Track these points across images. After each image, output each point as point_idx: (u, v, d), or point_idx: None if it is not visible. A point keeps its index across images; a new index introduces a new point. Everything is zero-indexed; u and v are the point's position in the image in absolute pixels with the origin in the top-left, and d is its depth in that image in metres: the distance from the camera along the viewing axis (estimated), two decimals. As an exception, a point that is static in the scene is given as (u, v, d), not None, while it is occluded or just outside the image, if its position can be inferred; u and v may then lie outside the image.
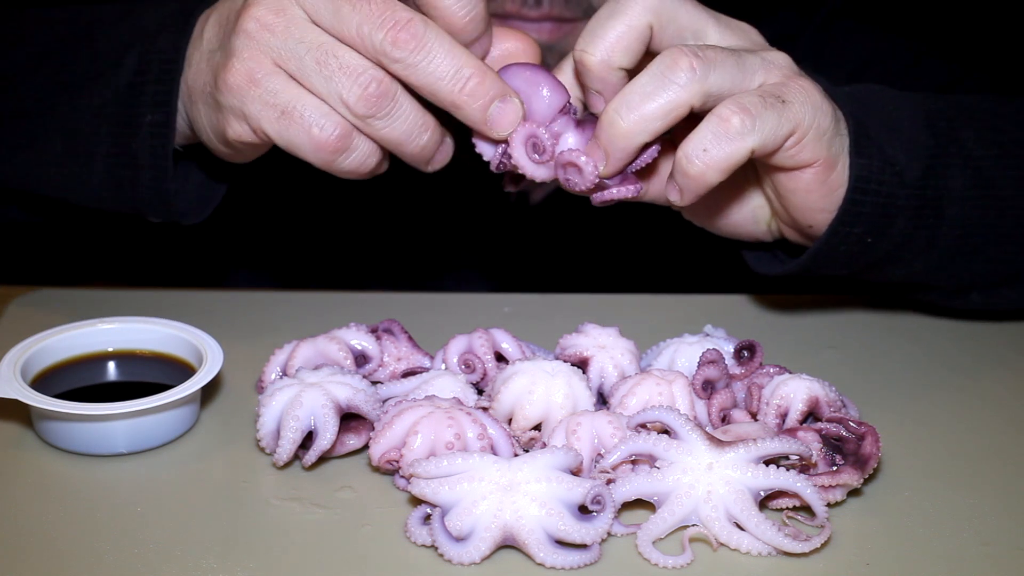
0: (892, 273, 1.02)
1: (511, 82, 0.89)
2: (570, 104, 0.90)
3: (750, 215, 1.01)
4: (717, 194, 0.98)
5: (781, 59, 0.90)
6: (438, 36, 0.87)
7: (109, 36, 1.03)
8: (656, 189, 0.98)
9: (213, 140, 0.97)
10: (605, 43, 0.87)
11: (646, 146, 0.88)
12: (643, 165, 0.89)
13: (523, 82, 0.89)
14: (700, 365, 0.90)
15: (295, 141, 0.91)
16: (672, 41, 0.88)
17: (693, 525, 0.81)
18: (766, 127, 0.86)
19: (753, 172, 0.99)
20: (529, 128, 0.89)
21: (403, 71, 0.88)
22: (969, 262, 1.02)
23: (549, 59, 1.24)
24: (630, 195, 0.90)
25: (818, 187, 0.92)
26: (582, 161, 0.88)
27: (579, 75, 0.90)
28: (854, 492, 0.86)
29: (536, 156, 0.89)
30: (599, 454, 0.85)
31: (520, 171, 0.90)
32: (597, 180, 0.88)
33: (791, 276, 1.01)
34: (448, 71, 0.87)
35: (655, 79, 0.85)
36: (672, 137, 0.91)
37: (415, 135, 0.91)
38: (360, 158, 0.92)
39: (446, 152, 0.94)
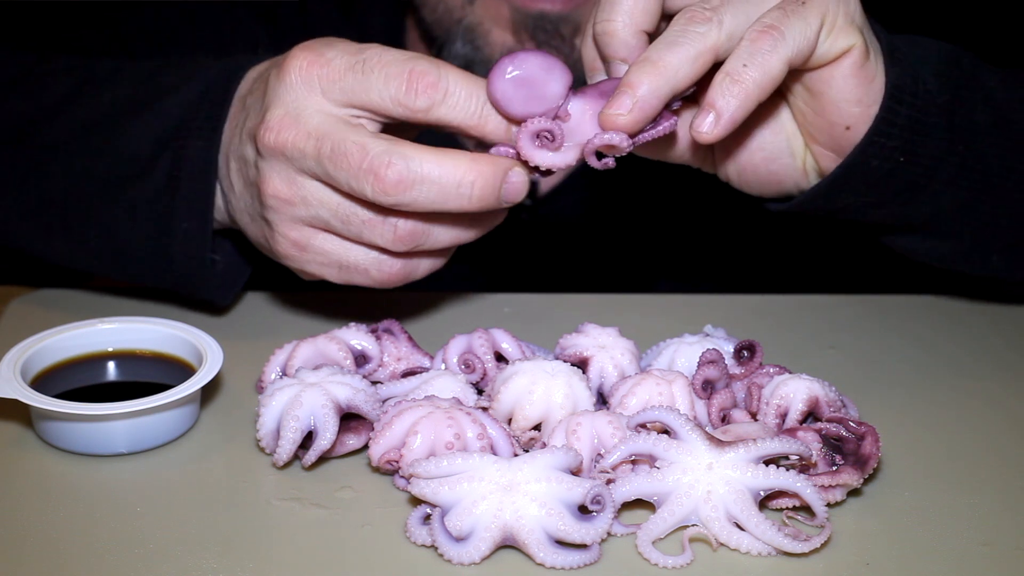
0: (919, 209, 1.00)
1: (524, 67, 0.87)
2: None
3: (786, 147, 0.98)
4: (752, 130, 0.97)
5: None
6: (419, 160, 0.88)
7: (139, 129, 1.03)
8: (681, 149, 0.98)
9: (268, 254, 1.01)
10: (624, 7, 0.88)
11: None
12: (661, 134, 0.88)
13: (535, 67, 0.88)
14: (700, 365, 0.90)
15: (361, 283, 0.97)
16: None
17: (693, 525, 0.81)
18: (795, 34, 0.86)
19: (782, 99, 0.97)
20: (530, 126, 0.88)
21: (409, 207, 0.90)
22: (994, 206, 1.01)
23: (563, 29, 1.25)
24: (670, 130, 0.88)
25: (855, 73, 0.90)
26: (616, 140, 0.86)
27: (602, 47, 0.90)
28: (854, 492, 0.86)
29: (549, 144, 0.88)
30: (599, 454, 0.85)
31: (540, 167, 0.89)
32: (632, 145, 0.87)
33: (818, 203, 0.98)
34: (449, 182, 0.88)
35: (676, 32, 0.86)
36: (694, 94, 0.91)
37: (465, 232, 0.95)
38: (428, 267, 0.98)
39: (517, 186, 0.92)
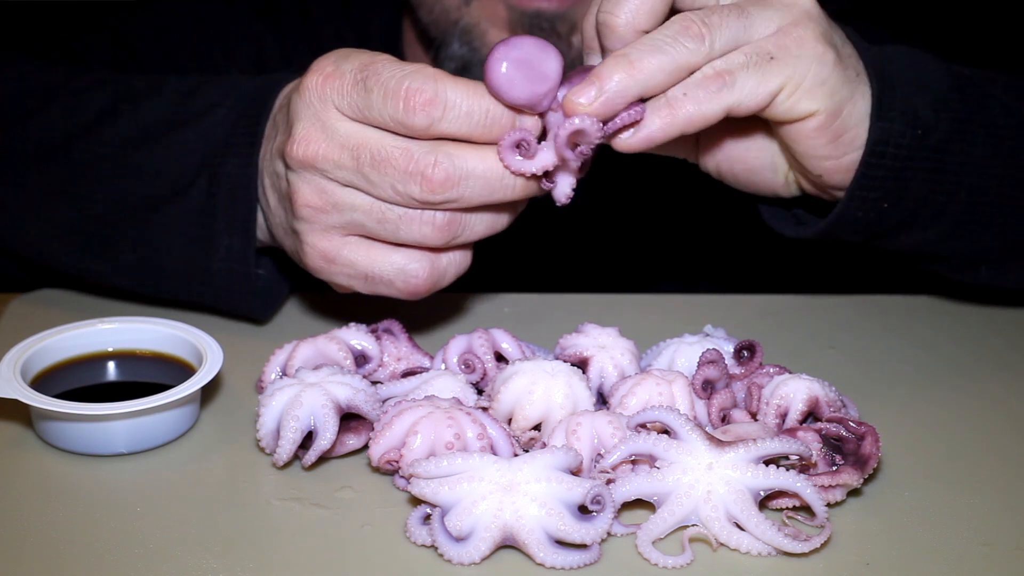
0: (905, 240, 1.01)
1: (520, 48, 0.87)
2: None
3: (769, 162, 0.99)
4: (738, 142, 0.99)
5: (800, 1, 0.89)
6: (465, 158, 0.88)
7: (176, 148, 1.03)
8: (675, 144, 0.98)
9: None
10: (630, 5, 0.88)
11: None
12: (627, 121, 0.87)
13: (530, 48, 0.87)
14: (700, 365, 0.90)
15: (388, 294, 0.95)
16: (694, 1, 0.89)
17: (693, 525, 0.81)
18: (745, 87, 0.87)
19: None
20: (507, 138, 0.88)
21: (457, 204, 0.90)
22: (982, 232, 1.02)
23: (560, 27, 1.25)
24: (636, 117, 0.87)
25: (821, 135, 0.91)
26: (585, 124, 0.85)
27: (600, 35, 0.90)
28: (854, 492, 0.86)
29: (526, 152, 0.88)
30: (599, 454, 0.85)
31: (526, 173, 0.89)
32: (603, 132, 0.86)
33: (806, 240, 1.01)
34: (493, 177, 0.89)
35: (666, 37, 0.86)
36: None
37: (498, 221, 0.94)
38: (455, 273, 0.96)
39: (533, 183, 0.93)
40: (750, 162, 1.00)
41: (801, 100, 0.89)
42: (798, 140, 0.92)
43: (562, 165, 0.90)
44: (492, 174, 0.89)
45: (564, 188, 0.91)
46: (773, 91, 0.88)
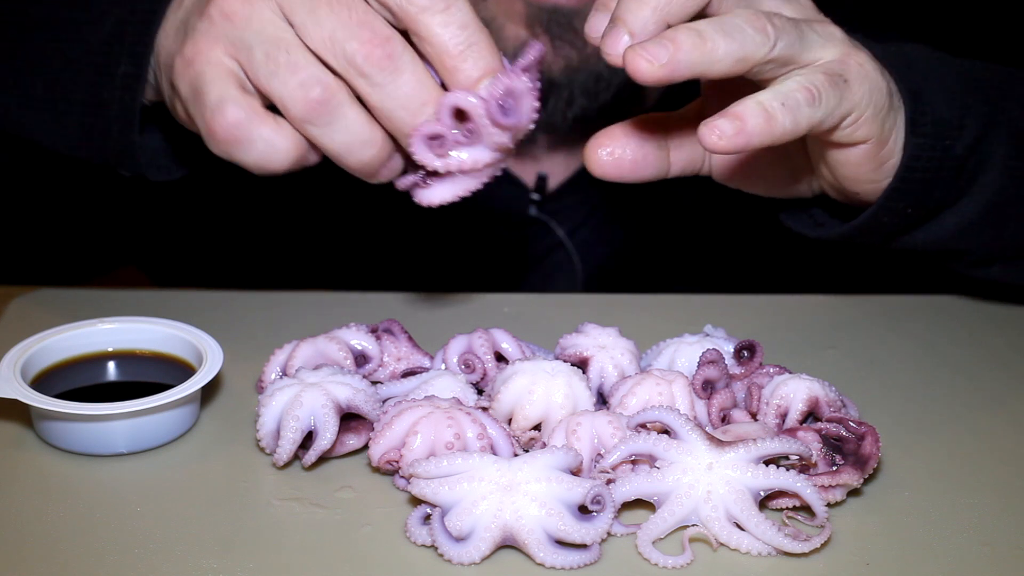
0: (922, 238, 1.02)
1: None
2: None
3: (788, 175, 1.00)
4: (755, 162, 0.99)
5: (836, 32, 0.89)
6: (413, 63, 0.85)
7: None
8: (686, 160, 0.97)
9: (168, 108, 0.95)
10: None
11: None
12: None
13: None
14: (700, 365, 0.90)
15: (198, 125, 0.88)
16: (729, 5, 0.86)
17: (693, 525, 0.81)
18: (829, 105, 0.85)
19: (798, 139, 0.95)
20: (423, 129, 0.85)
21: (366, 88, 0.85)
22: (1000, 230, 1.02)
23: (577, 23, 1.22)
24: (538, 54, 0.85)
25: (868, 162, 0.92)
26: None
27: (622, 8, 0.84)
28: (854, 492, 0.86)
29: (438, 150, 0.86)
30: (599, 454, 0.85)
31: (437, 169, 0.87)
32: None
33: (825, 240, 1.01)
34: (413, 102, 0.85)
35: (735, 24, 0.83)
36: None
37: (356, 150, 0.87)
38: (264, 148, 0.87)
39: (393, 169, 0.90)
40: (769, 178, 1.00)
41: (861, 127, 0.89)
42: (845, 164, 0.92)
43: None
44: (418, 96, 0.84)
45: (434, 196, 0.89)
46: (843, 115, 0.87)
